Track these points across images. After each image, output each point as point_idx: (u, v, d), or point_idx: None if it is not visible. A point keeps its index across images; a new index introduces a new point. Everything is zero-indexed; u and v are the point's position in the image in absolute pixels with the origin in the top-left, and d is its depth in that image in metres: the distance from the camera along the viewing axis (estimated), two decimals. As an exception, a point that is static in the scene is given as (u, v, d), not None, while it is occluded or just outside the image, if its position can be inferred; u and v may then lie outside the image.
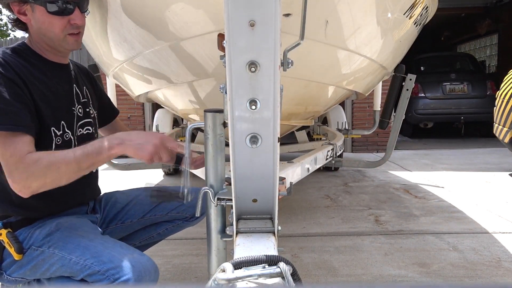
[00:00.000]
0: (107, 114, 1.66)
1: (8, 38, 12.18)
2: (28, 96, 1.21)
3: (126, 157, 1.24)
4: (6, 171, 1.14)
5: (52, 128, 1.28)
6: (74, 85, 1.42)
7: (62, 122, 1.32)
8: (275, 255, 0.82)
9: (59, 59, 1.37)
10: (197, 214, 1.19)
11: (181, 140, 4.17)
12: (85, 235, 1.26)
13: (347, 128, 4.53)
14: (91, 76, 1.60)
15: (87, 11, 1.36)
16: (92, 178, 1.50)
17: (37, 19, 1.25)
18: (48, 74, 1.31)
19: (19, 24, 1.30)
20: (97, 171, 1.54)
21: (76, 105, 1.40)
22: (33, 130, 1.19)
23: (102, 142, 1.20)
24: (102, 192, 1.63)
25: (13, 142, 1.13)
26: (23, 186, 1.14)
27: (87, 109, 1.45)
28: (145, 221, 1.59)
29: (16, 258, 1.24)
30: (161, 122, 4.49)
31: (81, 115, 1.41)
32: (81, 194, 1.45)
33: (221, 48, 1.42)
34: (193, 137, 4.47)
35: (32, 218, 1.31)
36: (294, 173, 2.05)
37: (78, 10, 1.28)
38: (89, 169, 1.20)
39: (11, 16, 1.29)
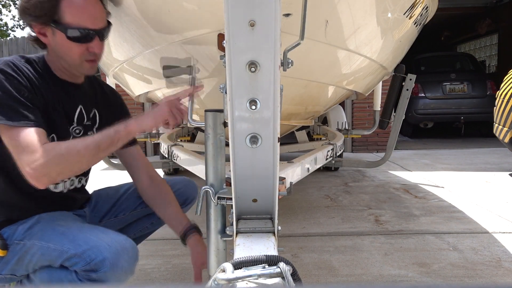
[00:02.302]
0: None
1: (8, 38, 12.17)
2: (36, 100, 1.22)
3: None
4: (22, 162, 1.13)
5: None
6: (81, 106, 1.40)
7: (53, 135, 1.30)
8: (275, 255, 0.82)
9: (72, 79, 1.37)
10: (198, 213, 1.21)
11: (181, 140, 4.17)
12: (64, 224, 1.28)
13: (347, 128, 4.53)
14: (118, 102, 1.56)
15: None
16: (81, 190, 1.52)
17: (57, 42, 1.26)
18: (53, 89, 1.31)
19: (38, 42, 1.30)
20: (86, 180, 1.55)
21: (75, 125, 1.39)
22: (44, 125, 1.20)
23: (117, 125, 1.22)
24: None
25: (27, 135, 1.13)
26: (42, 174, 1.12)
27: (89, 133, 1.43)
28: (137, 213, 1.61)
29: (1, 255, 1.26)
30: (161, 122, 4.47)
31: (77, 135, 1.39)
32: (70, 204, 1.47)
33: (221, 48, 1.43)
34: (193, 137, 4.47)
35: (17, 219, 1.33)
36: (294, 173, 2.05)
37: (98, 38, 1.28)
38: (108, 150, 1.20)
39: (32, 34, 1.29)
